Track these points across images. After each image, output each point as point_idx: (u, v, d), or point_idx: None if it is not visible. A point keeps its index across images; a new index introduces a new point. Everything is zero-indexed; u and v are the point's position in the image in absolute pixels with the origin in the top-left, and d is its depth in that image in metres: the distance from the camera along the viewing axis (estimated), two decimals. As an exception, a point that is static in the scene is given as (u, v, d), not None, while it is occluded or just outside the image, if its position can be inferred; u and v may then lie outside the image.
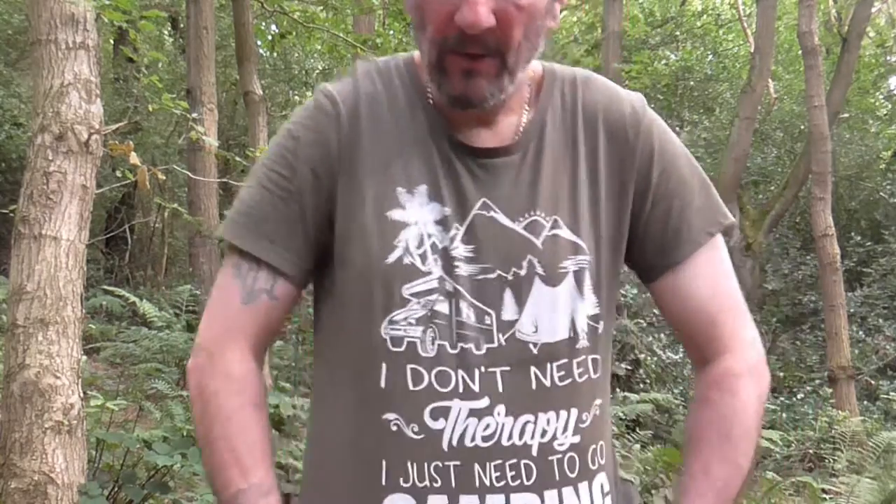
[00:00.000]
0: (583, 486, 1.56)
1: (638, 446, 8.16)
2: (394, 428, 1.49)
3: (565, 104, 1.66)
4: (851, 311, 13.37)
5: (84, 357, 4.34)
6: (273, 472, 1.58)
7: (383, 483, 1.50)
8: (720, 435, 1.57)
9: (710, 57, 21.99)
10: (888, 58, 22.43)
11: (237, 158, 7.52)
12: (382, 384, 1.51)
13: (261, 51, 14.81)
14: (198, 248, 11.24)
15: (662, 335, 11.72)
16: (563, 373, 1.54)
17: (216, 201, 11.21)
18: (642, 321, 12.00)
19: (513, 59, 1.49)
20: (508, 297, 1.52)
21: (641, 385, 11.04)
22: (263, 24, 12.78)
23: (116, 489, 4.88)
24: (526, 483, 1.50)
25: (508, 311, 1.52)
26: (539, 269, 1.54)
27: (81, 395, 4.09)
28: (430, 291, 1.51)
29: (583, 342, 1.55)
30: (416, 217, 1.54)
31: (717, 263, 1.66)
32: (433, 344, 1.50)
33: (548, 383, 1.53)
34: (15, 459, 3.86)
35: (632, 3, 21.40)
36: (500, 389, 1.50)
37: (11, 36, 15.51)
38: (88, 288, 6.26)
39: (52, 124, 4.04)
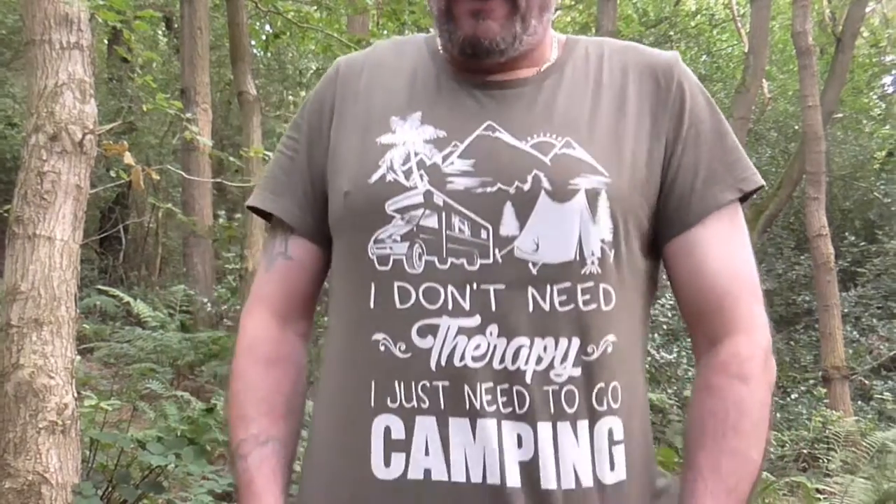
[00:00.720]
0: (582, 423, 1.42)
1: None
2: (382, 348, 1.44)
3: (589, 53, 1.61)
4: (845, 311, 13.38)
5: (78, 357, 4.34)
6: (282, 422, 1.58)
7: (372, 405, 1.45)
8: (729, 425, 1.44)
9: (705, 57, 22.05)
10: (882, 58, 22.46)
11: (231, 158, 7.53)
12: (371, 305, 1.46)
13: (255, 51, 14.82)
14: (192, 248, 11.26)
15: (656, 335, 11.71)
16: (564, 297, 1.42)
17: (210, 201, 11.23)
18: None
19: (524, 2, 1.47)
20: (509, 211, 1.43)
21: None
22: (258, 24, 12.79)
23: (110, 489, 4.87)
24: (518, 412, 1.39)
25: (508, 226, 1.42)
26: (546, 184, 1.43)
27: (75, 395, 4.09)
28: (414, 206, 1.45)
29: (591, 268, 1.43)
30: (405, 138, 1.51)
31: (737, 233, 1.54)
32: (420, 260, 1.44)
33: (546, 307, 1.41)
34: (9, 459, 3.86)
35: (626, 3, 21.42)
36: (493, 308, 1.41)
37: (5, 36, 15.48)
38: (82, 288, 6.26)
39: (47, 124, 4.04)
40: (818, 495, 7.14)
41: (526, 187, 1.42)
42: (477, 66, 1.53)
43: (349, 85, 1.63)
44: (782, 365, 13.98)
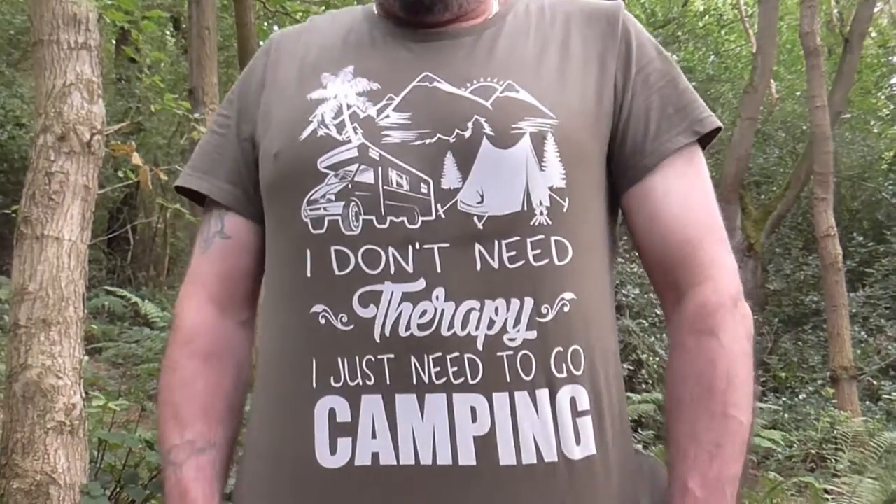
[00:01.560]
0: (541, 393, 1.30)
1: (640, 446, 8.15)
2: (322, 321, 1.33)
3: (529, 6, 1.55)
4: (853, 311, 13.35)
5: (86, 357, 4.34)
6: (220, 427, 1.47)
7: (314, 386, 1.33)
8: (703, 387, 1.35)
9: (713, 57, 22.02)
10: (890, 58, 22.43)
11: (239, 159, 7.52)
12: (308, 273, 1.35)
13: (263, 51, 14.76)
14: (200, 249, 11.22)
15: (664, 335, 11.69)
16: (513, 253, 1.31)
17: (218, 202, 11.19)
18: (644, 321, 11.99)
19: None
20: (450, 161, 1.33)
21: (643, 385, 11.04)
22: (266, 24, 12.79)
23: (118, 489, 4.88)
24: (471, 382, 1.28)
25: (450, 178, 1.32)
26: (488, 129, 1.33)
27: (83, 395, 4.09)
28: (349, 161, 1.34)
29: (540, 218, 1.32)
30: (336, 92, 1.42)
31: (696, 177, 1.46)
32: (357, 219, 1.32)
33: (495, 264, 1.31)
34: (17, 460, 3.86)
35: (634, 4, 21.39)
36: (439, 270, 1.30)
37: (14, 36, 15.52)
38: (90, 288, 6.27)
39: (55, 125, 4.05)
40: (826, 496, 7.12)
41: (467, 134, 1.33)
42: (419, 23, 1.48)
43: (283, 52, 1.56)
44: (790, 365, 13.97)
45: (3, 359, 4.49)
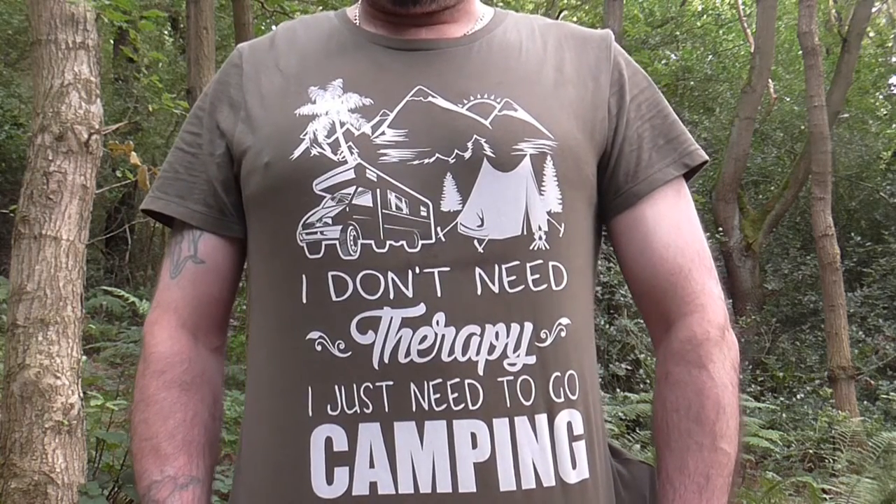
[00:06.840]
0: (540, 418, 1.31)
1: (638, 446, 8.15)
2: (318, 348, 1.31)
3: (520, 24, 1.54)
4: (851, 311, 13.35)
5: (84, 357, 4.34)
6: (201, 460, 1.42)
7: (310, 414, 1.31)
8: (691, 419, 1.36)
9: (710, 57, 21.98)
10: (888, 58, 22.43)
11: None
12: (304, 299, 1.32)
13: (261, 51, 14.74)
14: (198, 248, 11.19)
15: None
16: (513, 277, 1.31)
17: (216, 201, 11.17)
18: (642, 321, 11.98)
19: None
20: (450, 183, 1.31)
21: (641, 385, 11.04)
22: (263, 24, 12.78)
23: (116, 489, 4.88)
24: (471, 408, 1.28)
25: (449, 200, 1.31)
26: (488, 150, 1.32)
27: (81, 395, 4.09)
28: (345, 184, 1.32)
29: (539, 243, 1.33)
30: (327, 108, 1.38)
31: (684, 208, 1.47)
32: (355, 244, 1.29)
33: (496, 289, 1.30)
34: (15, 459, 3.86)
35: (632, 3, 21.40)
36: (439, 294, 1.29)
37: (12, 36, 15.50)
38: (88, 288, 6.26)
39: (53, 124, 4.04)
40: (824, 495, 7.14)
41: (467, 155, 1.32)
42: (406, 15, 1.46)
43: (257, 63, 1.51)
44: (788, 365, 13.97)
45: (1, 358, 4.49)
